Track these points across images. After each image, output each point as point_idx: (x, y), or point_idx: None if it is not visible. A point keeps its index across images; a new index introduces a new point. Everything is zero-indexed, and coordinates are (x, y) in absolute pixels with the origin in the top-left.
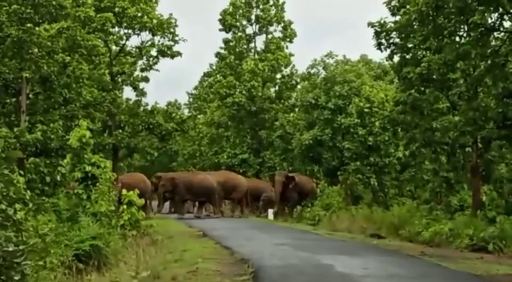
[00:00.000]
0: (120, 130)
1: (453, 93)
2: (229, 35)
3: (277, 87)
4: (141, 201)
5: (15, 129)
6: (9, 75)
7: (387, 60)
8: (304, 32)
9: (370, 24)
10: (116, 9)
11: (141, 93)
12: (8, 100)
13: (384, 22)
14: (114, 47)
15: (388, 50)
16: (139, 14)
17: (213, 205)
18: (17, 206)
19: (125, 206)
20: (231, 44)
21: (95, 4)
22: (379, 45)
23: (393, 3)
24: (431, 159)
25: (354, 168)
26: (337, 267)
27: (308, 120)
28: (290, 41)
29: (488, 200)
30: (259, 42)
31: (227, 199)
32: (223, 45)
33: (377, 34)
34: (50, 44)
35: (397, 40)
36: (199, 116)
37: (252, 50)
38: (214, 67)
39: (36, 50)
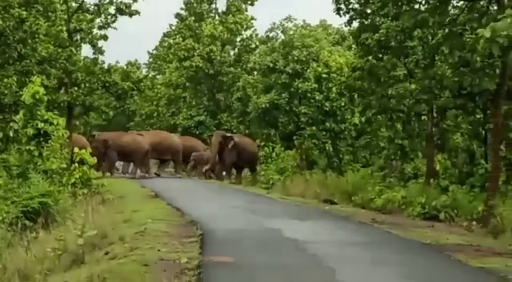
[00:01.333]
0: (76, 88)
1: (409, 61)
2: None
3: (236, 50)
4: (93, 160)
5: None
6: None
7: (345, 26)
8: None
9: None
10: None
11: (100, 51)
12: None
13: None
14: (73, 4)
15: (347, 16)
16: None
17: (143, 166)
18: None
19: (76, 164)
20: (191, 5)
21: None
22: (338, 11)
23: None
24: (386, 126)
25: (309, 132)
26: (286, 232)
27: (265, 84)
28: (251, 4)
29: (441, 169)
30: (220, 4)
31: (161, 160)
32: (183, 6)
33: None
34: None
35: (356, 5)
36: (158, 76)
37: (213, 12)
38: (173, 28)
39: None
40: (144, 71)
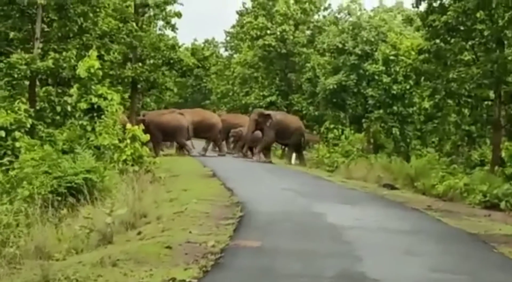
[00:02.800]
0: (140, 64)
1: (477, 44)
2: None
3: (309, 31)
4: (146, 137)
5: (26, 56)
6: (23, 1)
7: (413, 7)
8: None
9: None
10: None
11: (173, 28)
12: (23, 27)
13: None
14: None
15: None
16: None
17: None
18: (17, 134)
19: (128, 141)
20: None
21: None
22: None
23: None
24: (454, 111)
25: (377, 116)
26: (329, 217)
27: (334, 65)
28: None
29: (507, 156)
30: None
31: (203, 138)
32: None
33: None
34: None
35: None
36: (235, 56)
37: None
38: (247, 6)
39: None
40: (222, 50)
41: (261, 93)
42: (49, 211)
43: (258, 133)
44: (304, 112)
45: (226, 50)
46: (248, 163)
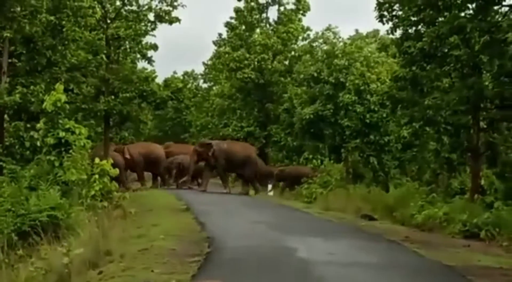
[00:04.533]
0: (113, 97)
1: (451, 70)
2: (240, 4)
3: (287, 61)
4: (115, 171)
5: None
6: None
7: (388, 34)
8: (316, 6)
9: None
10: None
11: (149, 61)
12: None
13: None
14: (110, 9)
15: (390, 23)
16: None
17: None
18: None
19: (97, 176)
20: (242, 13)
21: None
22: (381, 18)
23: None
24: (433, 139)
25: (354, 145)
26: (300, 252)
27: (310, 95)
28: (303, 14)
29: (486, 184)
30: (271, 13)
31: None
32: (234, 15)
33: (379, 6)
34: (34, 2)
35: (400, 12)
36: (214, 87)
37: (264, 21)
38: (223, 36)
39: (18, 9)
40: (200, 82)
41: (239, 125)
42: (5, 252)
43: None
44: (282, 143)
45: (205, 82)
46: (223, 196)
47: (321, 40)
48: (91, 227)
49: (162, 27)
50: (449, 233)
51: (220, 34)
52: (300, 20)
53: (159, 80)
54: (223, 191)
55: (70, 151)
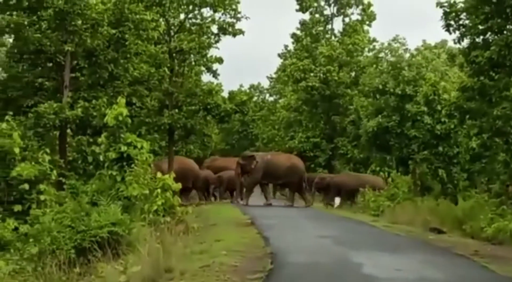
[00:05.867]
0: (177, 110)
1: None
2: (306, 16)
3: (353, 73)
4: (178, 185)
5: (55, 105)
6: (51, 48)
7: (455, 43)
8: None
9: (439, 4)
10: None
11: (214, 74)
12: (52, 76)
13: (454, 2)
14: (174, 22)
15: (457, 33)
16: None
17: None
18: (41, 186)
19: (159, 190)
20: (307, 25)
21: None
22: (447, 27)
23: None
24: (503, 150)
25: (422, 157)
26: (366, 267)
27: (376, 107)
28: (369, 25)
29: None
30: (336, 24)
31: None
32: (299, 26)
33: (445, 15)
34: (96, 16)
35: (467, 21)
36: (280, 100)
37: (329, 33)
38: (289, 49)
39: (79, 22)
40: (267, 95)
41: (305, 137)
42: (62, 269)
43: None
44: (349, 155)
45: (270, 95)
46: (289, 209)
47: (387, 51)
48: (153, 243)
49: (228, 41)
50: None
51: (286, 46)
52: (366, 31)
53: (225, 93)
54: (267, 202)
55: (132, 165)
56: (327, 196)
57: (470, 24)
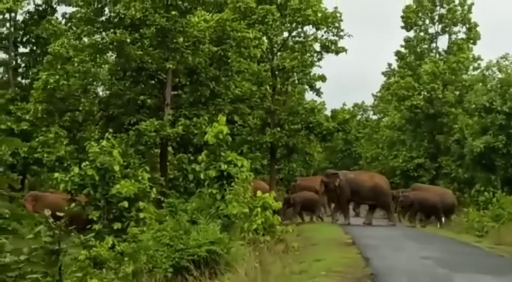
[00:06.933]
0: (279, 129)
1: None
2: (410, 34)
3: (457, 91)
4: (278, 204)
5: (156, 122)
6: (152, 66)
7: None
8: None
9: None
10: (279, 1)
11: (317, 92)
12: (153, 93)
13: None
14: (278, 40)
15: None
16: (303, 7)
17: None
18: (141, 204)
19: (259, 209)
20: (411, 43)
21: None
22: None
23: None
24: None
25: None
26: None
27: (482, 126)
28: (474, 43)
29: None
30: (441, 43)
31: None
32: (403, 44)
33: None
34: (197, 33)
35: None
36: (384, 119)
37: (434, 51)
38: (393, 67)
39: (181, 39)
40: (370, 114)
41: (409, 155)
42: None
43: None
44: (453, 175)
45: (374, 113)
46: (390, 229)
47: (494, 68)
48: (251, 262)
49: (333, 59)
50: None
51: (389, 64)
52: (470, 49)
53: (328, 111)
54: (345, 222)
55: (232, 184)
56: (412, 213)
57: None
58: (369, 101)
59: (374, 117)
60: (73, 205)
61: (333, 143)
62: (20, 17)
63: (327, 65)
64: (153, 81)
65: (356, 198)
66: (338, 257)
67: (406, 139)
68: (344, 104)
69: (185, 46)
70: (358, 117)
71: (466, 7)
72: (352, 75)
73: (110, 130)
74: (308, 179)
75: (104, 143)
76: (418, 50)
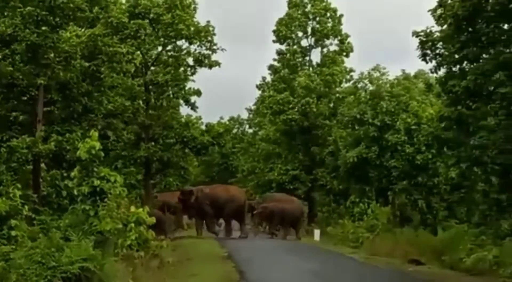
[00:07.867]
0: (153, 143)
1: (497, 108)
2: (283, 47)
3: (332, 104)
4: (151, 219)
5: (28, 139)
6: (23, 82)
7: (432, 73)
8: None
9: (415, 34)
10: (151, 16)
11: (193, 107)
12: (25, 109)
13: (431, 31)
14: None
15: (434, 62)
16: (176, 21)
17: None
18: (13, 222)
19: (132, 224)
20: (285, 56)
21: (129, 10)
22: (424, 56)
23: (438, 11)
24: (481, 180)
25: (401, 187)
26: None
27: (354, 137)
28: (347, 56)
29: None
30: (314, 56)
31: None
32: (276, 57)
33: (422, 44)
34: (68, 48)
35: (443, 50)
36: (259, 132)
37: (307, 64)
38: (267, 81)
39: (52, 55)
40: (246, 127)
41: (284, 168)
42: None
43: None
44: (328, 186)
45: (250, 127)
46: (267, 242)
47: (366, 80)
48: (125, 278)
49: (209, 73)
50: (500, 277)
51: (263, 78)
52: (343, 61)
53: (204, 126)
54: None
55: (106, 200)
56: (272, 224)
57: (446, 53)
58: (246, 115)
59: (250, 131)
60: None
61: (210, 156)
62: None
63: (205, 80)
64: (25, 98)
65: (216, 211)
66: (213, 271)
67: (281, 152)
68: (221, 118)
69: (57, 62)
70: (234, 130)
71: (336, 20)
72: (231, 89)
73: None
74: (166, 194)
75: None
76: (291, 63)
